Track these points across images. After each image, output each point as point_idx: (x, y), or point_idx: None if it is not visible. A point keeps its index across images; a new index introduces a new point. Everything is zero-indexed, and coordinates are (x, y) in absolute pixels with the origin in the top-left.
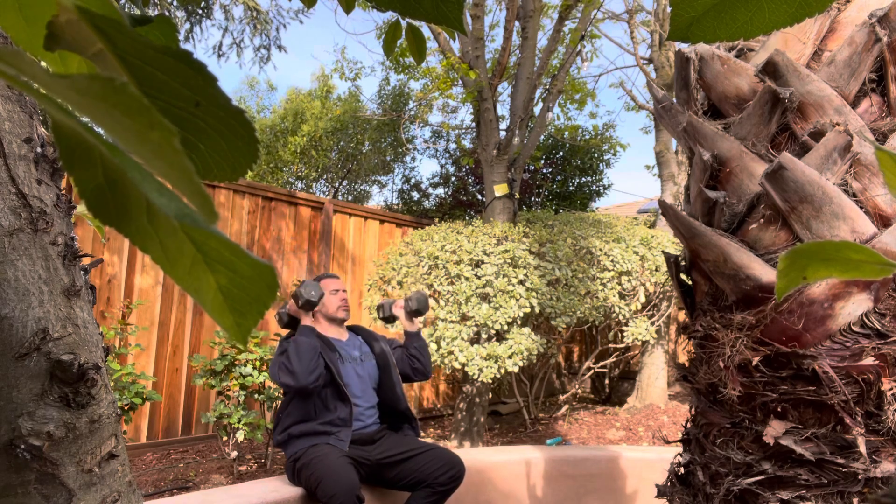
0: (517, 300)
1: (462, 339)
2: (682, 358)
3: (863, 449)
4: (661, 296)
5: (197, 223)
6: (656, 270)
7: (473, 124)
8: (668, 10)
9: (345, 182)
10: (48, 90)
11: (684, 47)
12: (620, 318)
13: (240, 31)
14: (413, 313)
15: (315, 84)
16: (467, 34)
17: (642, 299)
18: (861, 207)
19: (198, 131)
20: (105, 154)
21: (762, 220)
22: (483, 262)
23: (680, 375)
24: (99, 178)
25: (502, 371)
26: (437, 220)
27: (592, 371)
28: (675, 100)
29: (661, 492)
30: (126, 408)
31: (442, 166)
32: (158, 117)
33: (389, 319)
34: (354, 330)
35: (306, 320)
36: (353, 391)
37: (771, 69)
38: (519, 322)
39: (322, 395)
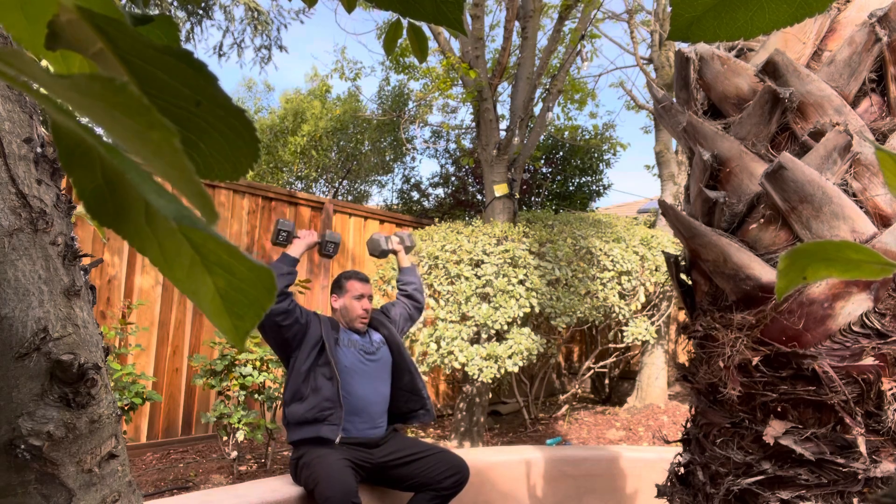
0: (517, 300)
1: (462, 339)
2: (682, 358)
3: (863, 449)
4: (661, 296)
5: (195, 225)
6: (656, 270)
7: (473, 124)
8: (668, 9)
9: (345, 182)
10: (48, 90)
11: (684, 47)
12: (620, 318)
13: (240, 32)
14: (408, 249)
15: (310, 85)
16: (467, 34)
17: (642, 299)
18: (861, 207)
19: (199, 131)
20: (104, 155)
21: (762, 220)
22: (483, 262)
23: (680, 375)
24: (98, 179)
25: (502, 371)
26: (437, 220)
27: (592, 371)
28: (675, 100)
29: (661, 492)
30: (126, 408)
31: (442, 166)
32: (159, 117)
33: (384, 254)
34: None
35: (292, 250)
36: (359, 388)
37: (771, 69)
38: (519, 322)
39: (314, 374)
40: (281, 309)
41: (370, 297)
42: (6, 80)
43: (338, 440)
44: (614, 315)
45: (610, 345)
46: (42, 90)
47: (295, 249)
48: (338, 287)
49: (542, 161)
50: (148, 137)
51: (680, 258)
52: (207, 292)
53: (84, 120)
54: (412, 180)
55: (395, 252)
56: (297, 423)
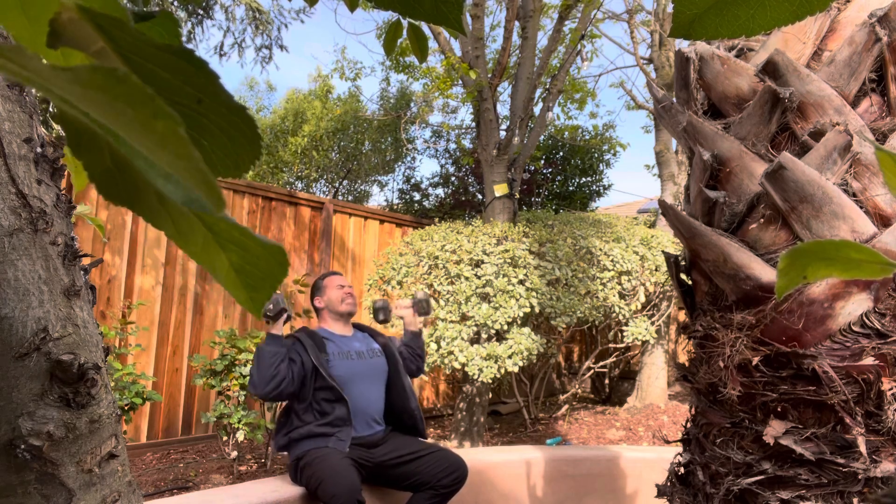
0: (517, 300)
1: (462, 339)
2: (682, 358)
3: (863, 449)
4: (661, 296)
5: (204, 209)
6: (656, 270)
7: (473, 124)
8: (668, 9)
9: (345, 182)
10: (50, 84)
11: (684, 47)
12: (620, 317)
13: (241, 31)
14: (424, 314)
15: (313, 84)
16: (467, 34)
17: (642, 299)
18: (861, 207)
19: (200, 128)
20: (111, 141)
21: (762, 220)
22: (483, 262)
23: (680, 375)
24: (107, 161)
25: (502, 371)
26: (437, 219)
27: (592, 371)
28: (675, 100)
29: (661, 492)
30: (126, 408)
31: (442, 166)
32: (162, 106)
33: (387, 321)
34: (359, 328)
35: (274, 329)
36: (355, 391)
37: (771, 69)
38: (519, 322)
39: (317, 399)
40: (287, 381)
41: (350, 287)
42: (9, 75)
43: (347, 450)
44: (614, 315)
45: (610, 345)
46: (45, 84)
47: (277, 327)
48: (317, 289)
49: (542, 161)
50: (152, 127)
51: (680, 258)
52: (222, 267)
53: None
54: (412, 180)
55: (400, 317)
56: (301, 438)
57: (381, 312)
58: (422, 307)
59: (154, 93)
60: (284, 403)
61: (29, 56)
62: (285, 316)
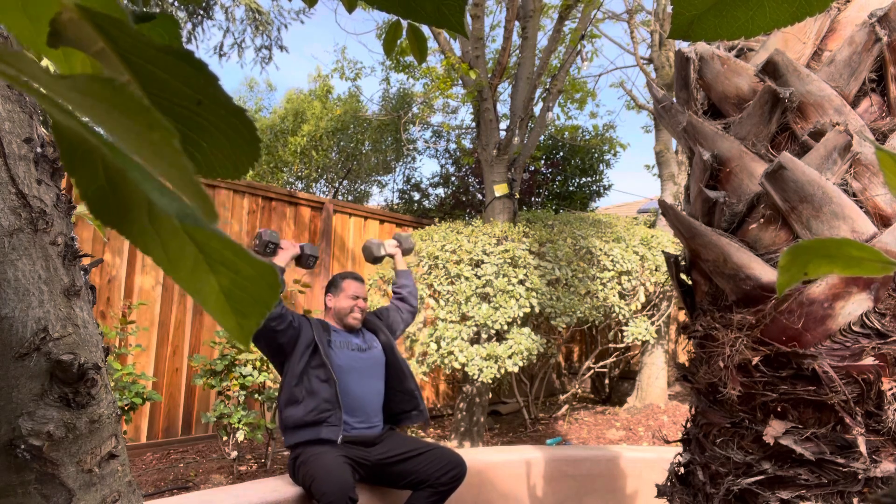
0: (517, 300)
1: (462, 339)
2: (682, 358)
3: (863, 449)
4: (661, 296)
5: (198, 223)
6: (656, 270)
7: (473, 124)
8: (668, 9)
9: (345, 182)
10: (49, 91)
11: (684, 47)
12: (620, 317)
13: (241, 32)
14: (409, 248)
15: (313, 84)
16: (468, 36)
17: (642, 299)
18: (861, 207)
19: (200, 130)
20: (106, 155)
21: (762, 220)
22: (483, 262)
23: (680, 375)
24: (100, 179)
25: (502, 371)
26: (437, 220)
27: (592, 371)
28: (675, 100)
29: (661, 491)
30: (126, 408)
31: (442, 166)
32: (159, 117)
33: (377, 260)
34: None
35: (277, 260)
36: (354, 384)
37: (771, 69)
38: (519, 322)
39: (310, 376)
40: (274, 314)
41: (364, 299)
42: (7, 80)
43: (339, 440)
44: (614, 315)
45: (610, 345)
46: (43, 90)
47: (281, 259)
48: (333, 286)
49: (543, 161)
50: (148, 138)
51: (680, 258)
52: (211, 291)
53: (84, 120)
54: (412, 180)
55: (391, 256)
56: (295, 426)
57: (379, 248)
58: (407, 242)
59: (150, 104)
60: (280, 387)
61: (28, 62)
62: (296, 257)
